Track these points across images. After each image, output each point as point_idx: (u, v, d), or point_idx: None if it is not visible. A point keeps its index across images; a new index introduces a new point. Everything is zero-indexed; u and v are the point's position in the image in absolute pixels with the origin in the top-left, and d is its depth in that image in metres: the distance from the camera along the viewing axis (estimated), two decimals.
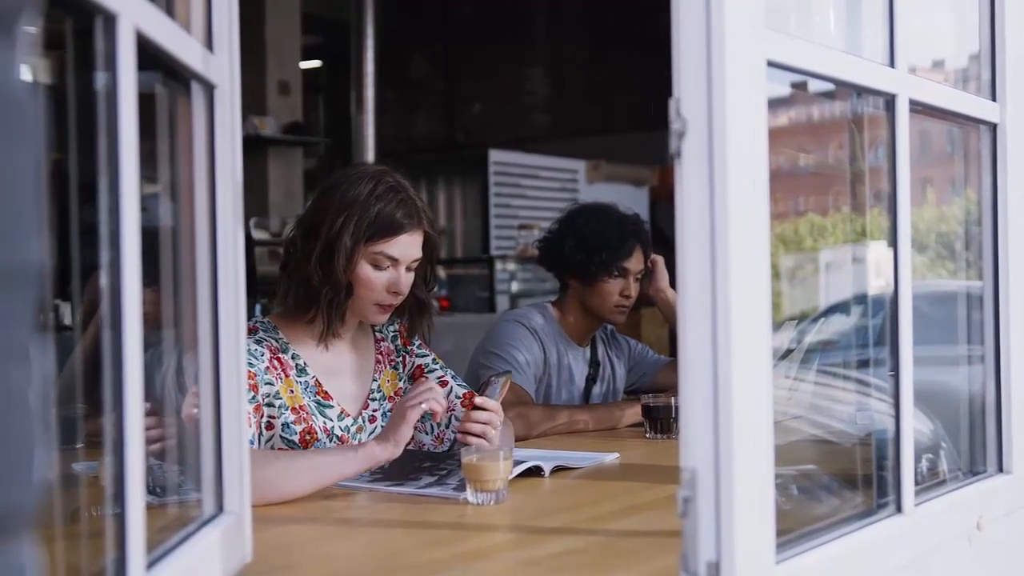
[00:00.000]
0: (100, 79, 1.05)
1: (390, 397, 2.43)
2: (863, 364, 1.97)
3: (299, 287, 2.28)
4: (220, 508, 1.43)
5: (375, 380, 2.43)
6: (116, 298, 1.04)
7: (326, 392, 2.32)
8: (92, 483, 1.46)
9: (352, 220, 2.22)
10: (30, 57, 0.64)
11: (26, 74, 0.63)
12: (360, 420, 2.36)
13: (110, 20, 1.03)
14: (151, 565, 1.13)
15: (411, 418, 2.06)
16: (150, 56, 1.15)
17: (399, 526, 1.80)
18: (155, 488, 1.41)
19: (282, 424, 2.22)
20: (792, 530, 1.39)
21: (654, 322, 6.81)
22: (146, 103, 1.12)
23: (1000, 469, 1.89)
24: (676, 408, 2.73)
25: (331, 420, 2.30)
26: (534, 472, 2.18)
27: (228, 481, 1.44)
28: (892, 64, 1.58)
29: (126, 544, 1.05)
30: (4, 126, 0.60)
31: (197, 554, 1.28)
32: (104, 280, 1.04)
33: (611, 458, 2.43)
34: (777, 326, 1.33)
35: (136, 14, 1.07)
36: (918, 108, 1.65)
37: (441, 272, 7.85)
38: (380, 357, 2.46)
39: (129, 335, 1.05)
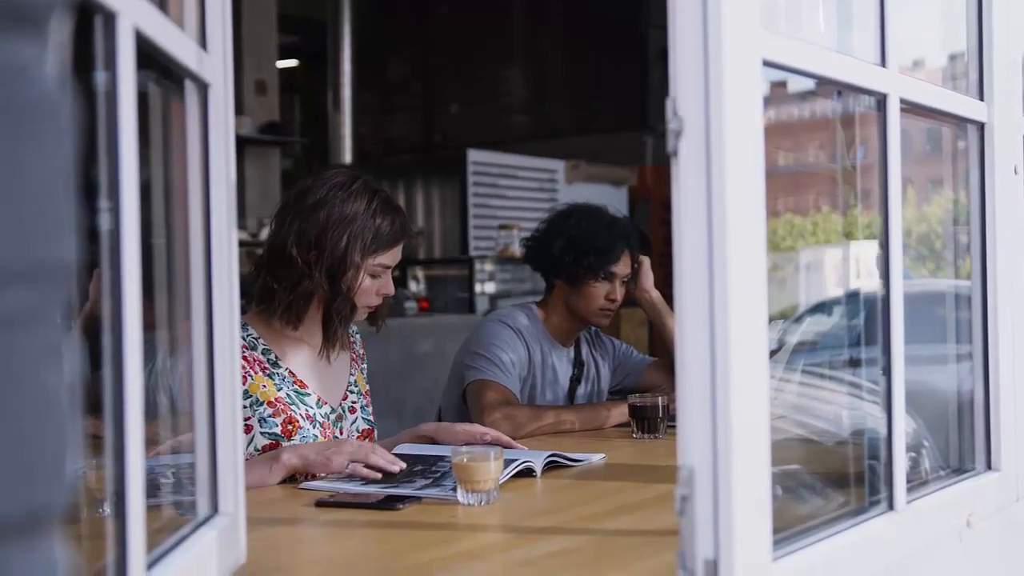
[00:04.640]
0: (99, 77, 1.05)
1: (365, 393, 2.54)
2: (849, 363, 1.98)
3: (303, 300, 2.34)
4: (215, 509, 1.42)
5: (352, 375, 2.52)
6: (116, 299, 1.04)
7: (302, 381, 2.38)
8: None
9: (359, 237, 2.32)
10: (61, 55, 0.64)
11: (57, 72, 0.63)
12: (340, 409, 2.44)
13: (110, 18, 1.03)
14: (150, 566, 1.12)
15: (330, 468, 2.12)
16: (145, 55, 1.15)
17: (391, 527, 1.80)
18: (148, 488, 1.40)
19: (259, 420, 2.26)
20: (788, 528, 1.39)
21: (632, 322, 6.83)
22: (138, 102, 1.11)
23: (989, 467, 1.90)
24: (663, 408, 2.73)
25: (311, 407, 2.37)
26: (524, 472, 2.18)
27: (223, 482, 1.43)
28: (883, 63, 1.59)
29: (127, 545, 1.04)
30: (38, 124, 0.60)
31: (194, 555, 1.28)
32: (105, 281, 1.03)
33: (598, 458, 2.43)
34: None
35: (135, 12, 1.07)
36: (908, 107, 1.65)
37: (420, 273, 7.85)
38: (354, 355, 2.56)
39: (129, 336, 1.04)
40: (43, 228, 0.59)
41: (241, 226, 7.33)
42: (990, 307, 1.90)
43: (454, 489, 1.98)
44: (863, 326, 1.86)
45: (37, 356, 0.58)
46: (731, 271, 1.21)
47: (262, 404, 2.28)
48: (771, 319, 2.28)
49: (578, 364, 3.24)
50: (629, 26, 9.19)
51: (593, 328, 3.29)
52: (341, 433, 2.43)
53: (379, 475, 2.10)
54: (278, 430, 2.29)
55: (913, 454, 1.88)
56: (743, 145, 1.24)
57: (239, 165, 7.66)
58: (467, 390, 2.97)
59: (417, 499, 1.95)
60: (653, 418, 2.72)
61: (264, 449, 2.27)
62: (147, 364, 1.47)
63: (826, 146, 1.98)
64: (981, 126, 1.90)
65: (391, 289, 2.42)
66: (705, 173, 1.22)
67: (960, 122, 1.90)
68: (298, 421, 2.31)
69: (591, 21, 9.59)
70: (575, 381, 3.22)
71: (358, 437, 2.46)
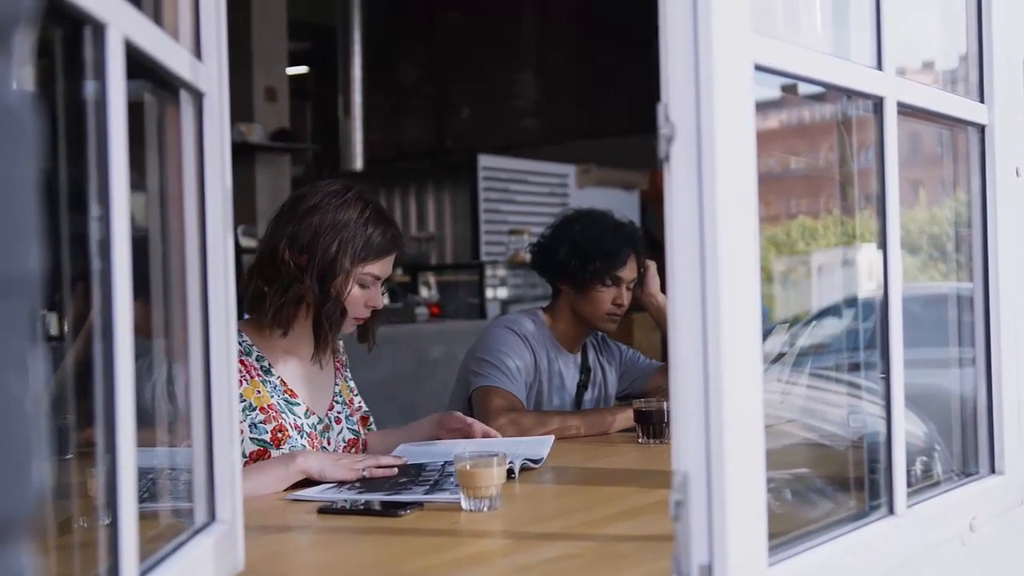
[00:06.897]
0: (89, 87, 1.05)
1: (348, 402, 2.56)
2: (855, 367, 1.97)
3: (293, 304, 2.36)
4: (212, 516, 1.42)
5: (336, 385, 2.55)
6: (107, 308, 1.04)
7: (292, 391, 2.41)
8: (81, 493, 1.46)
9: (349, 244, 2.35)
10: (26, 67, 0.65)
11: (23, 84, 0.63)
12: (327, 420, 2.47)
13: (99, 29, 1.03)
14: (144, 573, 1.13)
15: (347, 476, 2.18)
16: (138, 64, 1.15)
17: (392, 533, 1.80)
18: (145, 496, 1.40)
19: (250, 425, 2.29)
20: (785, 533, 1.39)
21: (645, 327, 6.82)
22: (134, 111, 1.12)
23: (992, 470, 1.89)
24: (668, 412, 2.72)
25: (299, 418, 2.39)
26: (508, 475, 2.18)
27: (220, 490, 1.43)
28: (880, 67, 1.59)
29: (119, 553, 1.04)
30: (2, 136, 0.60)
31: (190, 563, 1.28)
32: (95, 290, 1.04)
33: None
34: (769, 329, 1.34)
35: (125, 23, 1.07)
36: (906, 110, 1.65)
37: (431, 278, 7.85)
38: (338, 365, 2.58)
39: (120, 345, 1.05)
40: (6, 239, 0.60)
41: (251, 234, 7.32)
42: (992, 310, 1.90)
43: (455, 492, 1.98)
44: (871, 329, 1.86)
45: (2, 366, 0.59)
46: (723, 276, 1.21)
47: (255, 409, 2.30)
48: (782, 322, 2.27)
49: (585, 370, 3.23)
50: (638, 29, 9.18)
51: (600, 333, 3.29)
52: (328, 444, 2.45)
53: (395, 471, 2.21)
54: (268, 437, 2.31)
55: (925, 458, 1.87)
56: (735, 150, 1.24)
57: (250, 172, 7.68)
58: (473, 396, 2.97)
59: (420, 505, 1.95)
60: (658, 423, 2.72)
61: (252, 456, 2.28)
62: (151, 374, 1.48)
63: (836, 148, 1.98)
64: (982, 128, 1.89)
65: (380, 302, 2.45)
66: (697, 178, 1.22)
67: (960, 125, 1.90)
68: (287, 430, 2.34)
69: (600, 24, 9.58)
70: (582, 387, 3.21)
71: (344, 447, 2.48)
